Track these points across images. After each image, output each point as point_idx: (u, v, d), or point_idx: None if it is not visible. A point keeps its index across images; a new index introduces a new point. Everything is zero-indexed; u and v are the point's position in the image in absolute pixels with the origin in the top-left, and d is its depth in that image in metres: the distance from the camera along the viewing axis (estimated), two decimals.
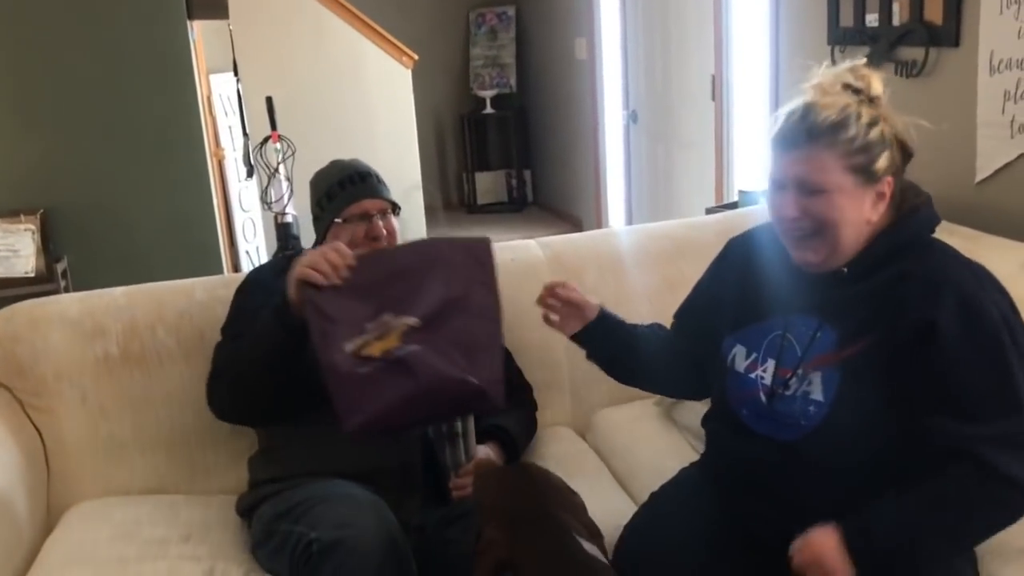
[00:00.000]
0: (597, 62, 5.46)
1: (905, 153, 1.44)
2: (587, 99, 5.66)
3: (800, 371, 1.45)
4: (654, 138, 4.86)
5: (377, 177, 1.93)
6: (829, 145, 1.38)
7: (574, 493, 1.62)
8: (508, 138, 7.10)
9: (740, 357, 1.55)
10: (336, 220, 1.88)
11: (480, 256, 1.69)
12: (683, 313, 1.76)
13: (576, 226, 6.11)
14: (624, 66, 5.10)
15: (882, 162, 1.40)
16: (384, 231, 1.87)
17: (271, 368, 1.70)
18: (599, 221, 5.72)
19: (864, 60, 1.49)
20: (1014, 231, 2.07)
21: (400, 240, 1.92)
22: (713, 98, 4.05)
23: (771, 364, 1.50)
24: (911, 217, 1.45)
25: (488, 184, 7.18)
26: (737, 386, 1.55)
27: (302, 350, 1.64)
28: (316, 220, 1.95)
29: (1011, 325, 1.36)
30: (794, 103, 1.43)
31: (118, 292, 2.07)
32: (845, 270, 1.44)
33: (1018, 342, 1.34)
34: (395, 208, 1.93)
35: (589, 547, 1.43)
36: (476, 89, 7.00)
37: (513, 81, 6.98)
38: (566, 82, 6.11)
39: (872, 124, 1.39)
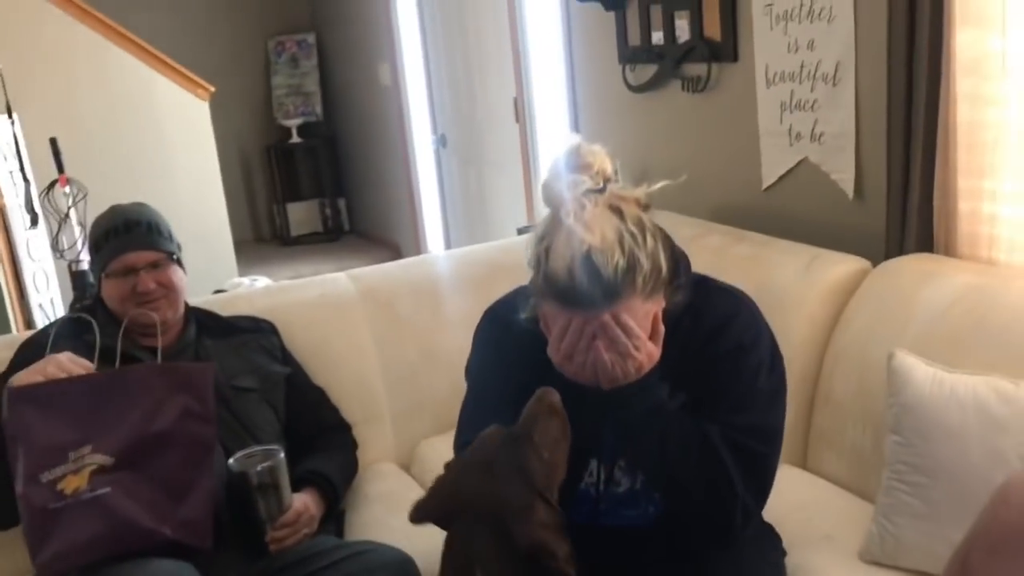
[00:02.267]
0: (402, 87, 5.45)
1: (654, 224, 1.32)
2: (395, 124, 5.64)
3: (622, 462, 1.42)
4: (464, 161, 4.90)
5: (149, 225, 1.80)
6: (629, 293, 1.25)
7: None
8: (318, 167, 6.96)
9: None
10: (103, 274, 1.78)
11: (198, 386, 1.65)
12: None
13: (395, 252, 6.06)
14: (429, 90, 5.11)
15: (664, 261, 1.29)
16: (153, 284, 1.77)
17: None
18: (417, 245, 5.69)
19: (578, 139, 1.33)
20: (799, 233, 2.19)
21: (183, 292, 1.84)
22: (517, 120, 4.11)
23: (594, 465, 1.43)
24: (679, 268, 1.36)
25: (301, 215, 7.01)
26: (565, 507, 1.31)
27: None
28: (92, 272, 1.83)
29: (782, 365, 1.41)
30: (566, 255, 1.22)
31: None
32: None
33: (765, 365, 1.38)
34: (173, 258, 1.82)
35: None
36: (281, 119, 6.83)
37: (319, 109, 6.86)
38: (373, 108, 6.06)
39: (644, 232, 1.26)
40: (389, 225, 6.31)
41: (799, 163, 2.35)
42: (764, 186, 2.46)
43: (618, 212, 1.26)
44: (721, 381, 1.35)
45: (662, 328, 1.32)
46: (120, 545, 1.49)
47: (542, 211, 1.36)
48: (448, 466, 1.33)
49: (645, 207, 1.30)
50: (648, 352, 1.29)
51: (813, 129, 2.27)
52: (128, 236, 1.78)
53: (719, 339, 1.36)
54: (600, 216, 1.24)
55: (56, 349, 1.71)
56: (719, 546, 1.37)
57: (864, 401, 1.76)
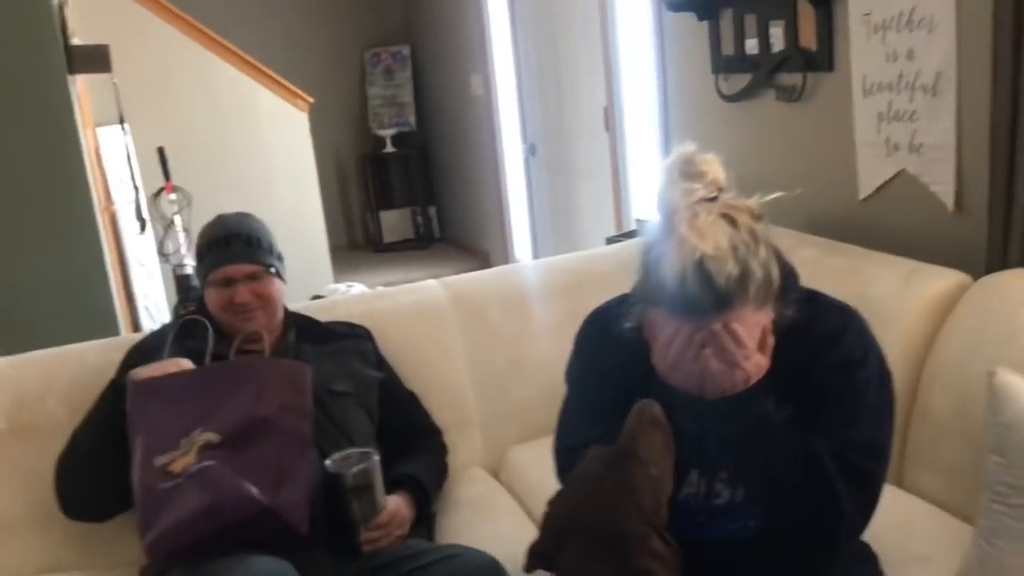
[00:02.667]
0: (494, 97, 5.51)
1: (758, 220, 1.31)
2: (486, 134, 5.71)
3: (724, 474, 1.40)
4: (553, 170, 4.92)
5: (249, 238, 1.87)
6: (742, 303, 1.24)
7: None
8: (411, 176, 7.09)
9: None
10: (204, 282, 1.88)
11: (296, 382, 1.73)
12: (572, 452, 1.44)
13: (484, 260, 6.13)
14: (520, 101, 5.16)
15: (775, 271, 1.28)
16: (250, 296, 1.84)
17: (104, 445, 1.72)
18: (506, 254, 5.75)
19: (692, 147, 1.33)
20: (897, 246, 2.14)
21: (281, 301, 1.92)
22: (607, 129, 4.12)
23: (694, 475, 1.42)
24: (788, 283, 1.35)
25: (393, 222, 7.15)
26: (677, 514, 1.35)
27: None
28: (197, 278, 1.94)
29: (892, 382, 1.40)
30: (678, 263, 1.22)
31: (3, 363, 1.98)
32: None
33: (874, 381, 1.37)
34: (271, 270, 1.88)
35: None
36: (376, 128, 6.98)
37: (412, 119, 6.99)
38: (465, 118, 6.15)
39: (758, 242, 1.25)
40: (478, 233, 6.38)
41: (897, 174, 2.30)
42: (861, 197, 2.42)
43: (731, 221, 1.25)
44: (831, 395, 1.34)
45: (771, 340, 1.31)
46: (224, 515, 1.55)
47: (631, 218, 1.38)
48: (552, 502, 1.32)
49: (757, 217, 1.29)
50: (756, 363, 1.28)
51: (912, 140, 2.22)
52: (228, 249, 1.85)
53: (829, 353, 1.35)
54: (713, 225, 1.24)
55: (168, 352, 1.81)
56: (820, 563, 1.35)
57: (963, 419, 1.72)
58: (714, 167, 1.31)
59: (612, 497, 1.24)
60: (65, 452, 1.79)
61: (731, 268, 1.22)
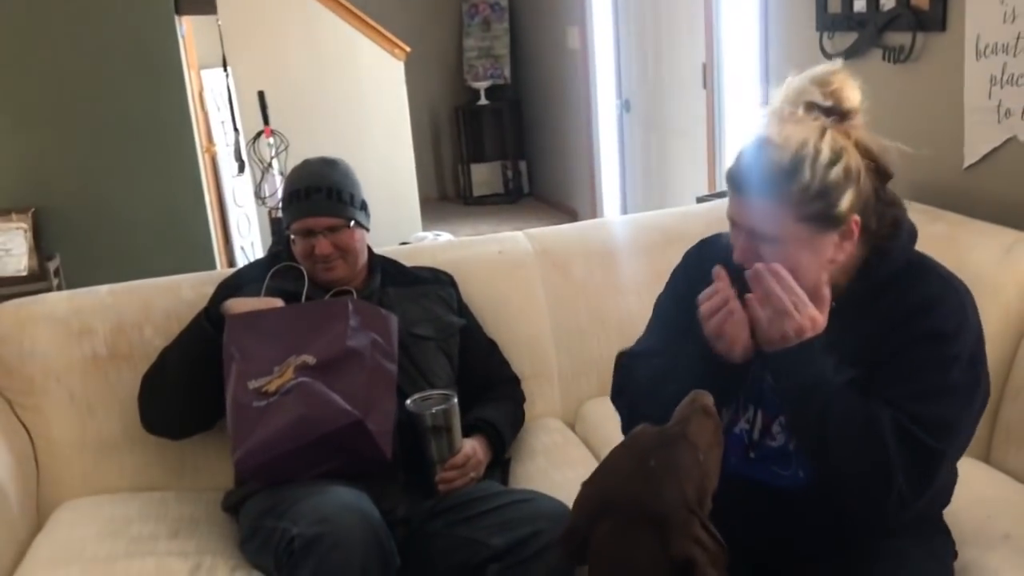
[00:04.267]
0: (590, 52, 5.45)
1: (883, 176, 1.32)
2: (580, 89, 5.65)
3: (783, 418, 1.38)
4: (647, 127, 4.86)
5: (329, 191, 1.89)
6: (779, 196, 1.25)
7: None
8: (503, 129, 7.09)
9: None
10: (288, 231, 1.92)
11: (386, 327, 1.79)
12: (640, 357, 1.51)
13: (572, 216, 6.11)
14: (616, 55, 5.09)
15: (845, 204, 1.26)
16: (329, 248, 1.88)
17: (192, 368, 1.80)
18: (594, 211, 5.72)
19: (838, 65, 1.34)
20: (1001, 216, 2.06)
21: (362, 251, 1.95)
22: (704, 86, 4.04)
23: (752, 411, 1.41)
24: (894, 236, 1.34)
25: (484, 176, 7.17)
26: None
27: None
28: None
29: (983, 366, 1.34)
30: (750, 139, 1.29)
31: (104, 291, 2.07)
32: (834, 304, 1.31)
33: (981, 382, 1.32)
34: (351, 223, 1.90)
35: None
36: (470, 80, 6.99)
37: (507, 72, 6.96)
38: (559, 72, 6.10)
39: (833, 162, 1.25)
40: (567, 190, 6.36)
41: (1006, 142, 2.19)
42: (965, 165, 2.32)
43: (822, 131, 1.26)
44: (912, 365, 1.28)
45: (826, 293, 1.28)
46: (318, 426, 1.62)
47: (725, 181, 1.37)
48: (588, 481, 1.26)
49: (866, 152, 1.28)
50: (810, 316, 1.26)
51: None
52: (308, 202, 1.88)
53: (920, 320, 1.29)
54: (801, 123, 1.26)
55: (254, 292, 1.87)
56: (867, 526, 1.33)
57: None
58: (843, 83, 1.30)
59: (656, 476, 1.16)
60: (152, 369, 1.89)
61: (783, 157, 1.24)
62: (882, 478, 1.24)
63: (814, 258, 1.28)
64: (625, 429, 1.47)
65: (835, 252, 1.30)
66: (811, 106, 1.28)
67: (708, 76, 3.99)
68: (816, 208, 1.25)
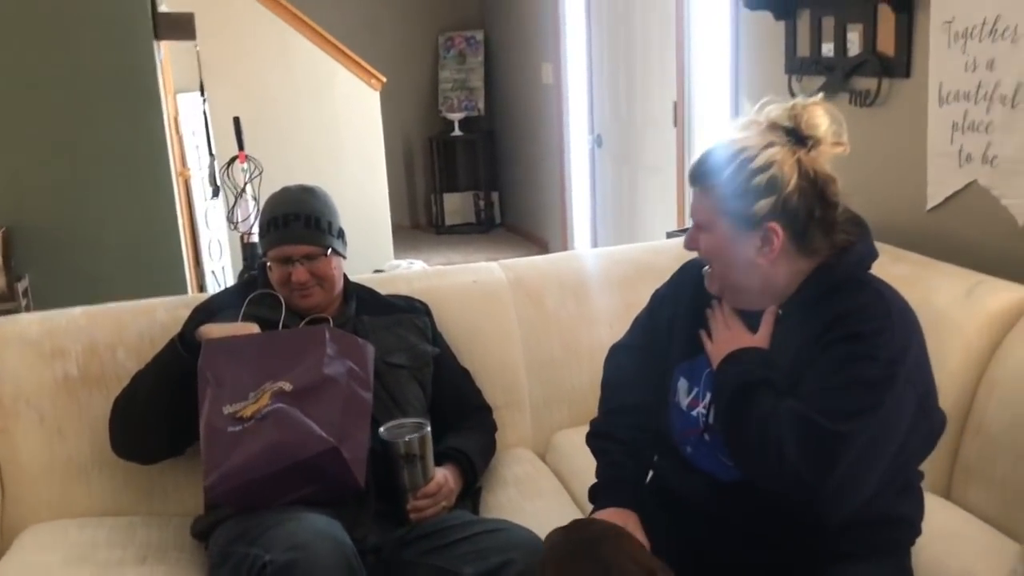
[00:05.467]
0: (563, 87, 5.53)
1: (824, 203, 1.43)
2: (553, 123, 5.72)
3: None
4: (618, 162, 4.92)
5: (308, 220, 1.90)
6: (709, 188, 1.44)
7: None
8: (476, 160, 7.15)
9: (683, 391, 1.56)
10: (265, 258, 1.94)
11: (362, 357, 1.81)
12: (622, 358, 1.75)
13: (543, 247, 6.15)
14: (590, 91, 5.17)
15: (760, 209, 1.39)
16: (306, 276, 1.89)
17: (165, 391, 1.80)
18: (565, 243, 5.77)
19: (817, 99, 1.47)
20: (962, 257, 2.12)
21: (339, 279, 1.97)
22: (675, 124, 4.11)
23: (708, 399, 1.51)
24: (843, 256, 1.45)
25: (456, 205, 7.22)
26: (680, 421, 1.56)
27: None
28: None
29: (904, 369, 1.37)
30: (714, 141, 1.47)
31: (78, 312, 2.07)
32: (780, 311, 1.46)
33: (897, 382, 1.35)
34: (328, 251, 1.91)
35: None
36: (445, 111, 7.04)
37: (481, 104, 7.03)
38: (533, 106, 6.17)
39: (762, 170, 1.38)
40: (539, 221, 6.41)
41: (967, 185, 2.26)
42: (929, 207, 2.39)
43: (767, 144, 1.40)
44: (828, 364, 1.36)
45: (768, 326, 1.45)
46: (292, 453, 1.62)
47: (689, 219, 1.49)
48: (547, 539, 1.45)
49: (811, 177, 1.40)
50: (719, 287, 1.49)
51: (986, 152, 2.19)
52: (286, 229, 1.89)
53: (843, 324, 1.37)
54: (752, 131, 1.43)
55: (229, 317, 1.88)
56: (814, 529, 1.39)
57: (1018, 435, 1.70)
58: (813, 114, 1.43)
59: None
60: (124, 392, 1.88)
61: (722, 155, 1.41)
62: (775, 455, 1.32)
63: (735, 254, 1.44)
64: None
65: (757, 256, 1.43)
66: (774, 125, 1.43)
67: (679, 114, 4.07)
68: (735, 206, 1.41)
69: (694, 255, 1.56)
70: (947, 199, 2.34)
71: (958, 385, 1.85)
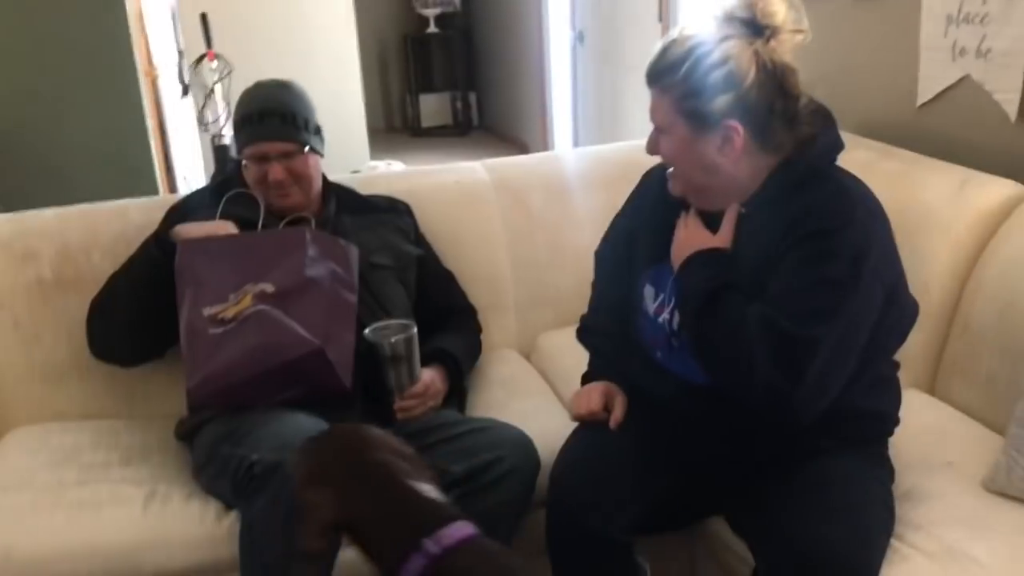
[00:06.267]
0: None
1: (786, 95, 1.39)
2: (533, 19, 5.57)
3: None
4: (601, 60, 4.82)
5: (284, 116, 1.83)
6: (665, 88, 1.40)
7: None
8: (453, 59, 6.98)
9: (650, 298, 1.55)
10: (240, 156, 1.87)
11: (346, 258, 1.77)
12: (604, 253, 1.76)
13: (522, 150, 6.07)
14: None
15: (717, 105, 1.35)
16: (283, 174, 1.82)
17: (143, 293, 1.76)
18: (545, 144, 5.69)
19: None
20: (953, 154, 2.09)
21: (317, 178, 1.91)
22: (660, 19, 4.01)
23: (672, 306, 1.50)
24: (804, 151, 1.42)
25: (433, 107, 7.07)
26: (649, 328, 1.55)
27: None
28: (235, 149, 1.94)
29: (869, 265, 1.34)
30: (665, 37, 1.42)
31: (49, 214, 2.01)
32: (743, 210, 1.43)
33: (862, 279, 1.33)
34: (305, 148, 1.85)
35: (423, 487, 1.19)
36: (419, 8, 6.84)
37: (457, 0, 6.83)
38: (512, 1, 5.99)
39: (717, 65, 1.34)
40: (518, 123, 6.30)
41: (960, 80, 2.22)
42: (919, 103, 2.35)
43: (723, 38, 1.35)
44: (793, 262, 1.34)
45: (730, 225, 1.42)
46: (277, 354, 1.60)
47: None
48: None
49: (770, 69, 1.35)
50: (680, 188, 1.46)
51: (980, 45, 2.14)
52: (261, 126, 1.82)
53: (806, 221, 1.35)
54: (708, 23, 1.37)
55: (205, 218, 1.82)
56: (785, 429, 1.40)
57: (1005, 331, 1.70)
58: (768, 5, 1.37)
59: None
60: (100, 294, 1.84)
61: (675, 53, 1.37)
62: (745, 365, 1.31)
63: (694, 155, 1.41)
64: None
65: (718, 156, 1.40)
66: (730, 16, 1.38)
67: (664, 10, 3.96)
68: (691, 105, 1.37)
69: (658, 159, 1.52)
70: (938, 95, 2.29)
71: (946, 282, 1.85)
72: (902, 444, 1.57)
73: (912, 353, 1.82)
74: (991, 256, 1.80)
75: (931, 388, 1.88)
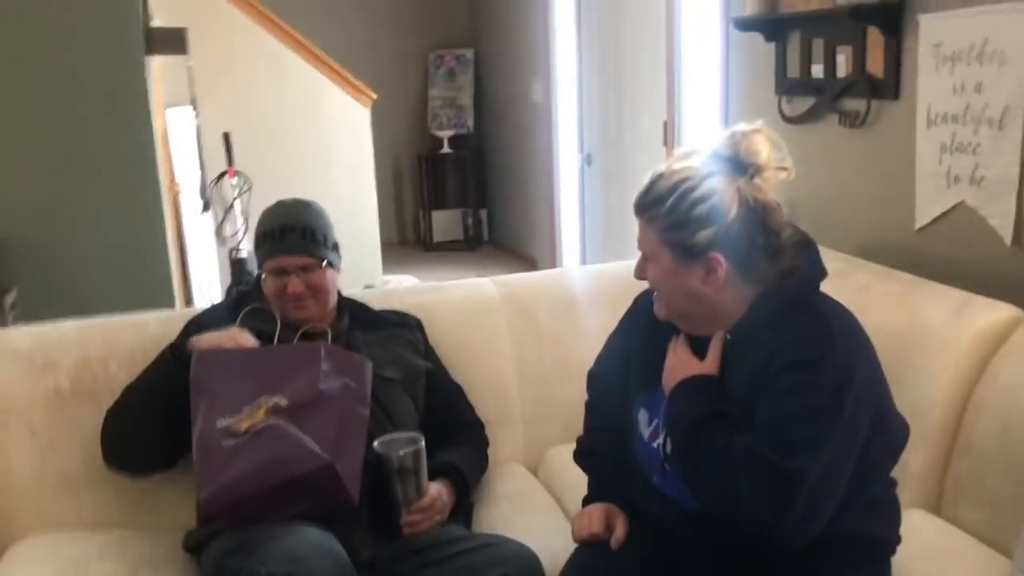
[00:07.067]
0: (553, 105, 5.55)
1: (768, 231, 1.44)
2: (543, 141, 5.75)
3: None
4: (608, 181, 4.95)
5: (303, 231, 1.91)
6: (651, 219, 1.45)
7: None
8: (465, 178, 7.17)
9: (644, 423, 1.56)
10: (261, 270, 1.94)
11: (360, 373, 1.81)
12: (596, 374, 1.80)
13: (531, 265, 6.16)
14: (579, 110, 5.20)
15: (701, 239, 1.40)
16: (302, 288, 1.89)
17: (157, 402, 1.80)
18: (553, 261, 5.78)
19: (757, 124, 1.48)
20: (951, 276, 2.14)
21: (333, 291, 1.98)
22: (665, 143, 4.14)
23: (658, 425, 1.52)
24: (786, 281, 1.45)
25: (445, 222, 7.23)
26: (644, 451, 1.56)
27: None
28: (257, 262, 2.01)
29: (853, 393, 1.36)
30: (653, 171, 1.48)
31: (69, 326, 2.06)
32: (728, 336, 1.46)
33: (845, 407, 1.34)
34: (323, 263, 1.92)
35: None
36: (434, 129, 7.07)
37: (470, 122, 7.06)
38: (522, 124, 6.20)
39: (701, 201, 1.40)
40: (527, 239, 6.42)
41: (955, 206, 2.29)
42: (917, 227, 2.42)
43: (708, 175, 1.41)
44: (776, 394, 1.35)
45: (716, 351, 1.45)
46: (287, 469, 1.62)
47: None
48: None
49: (752, 206, 1.41)
50: (664, 312, 1.50)
51: (973, 173, 2.22)
52: (282, 241, 1.91)
53: (787, 352, 1.37)
54: (694, 160, 1.44)
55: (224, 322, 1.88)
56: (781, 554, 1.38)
57: (1008, 452, 1.71)
58: (753, 144, 1.44)
59: None
60: (115, 405, 1.88)
61: (662, 187, 1.43)
62: (732, 495, 1.32)
63: (679, 283, 1.45)
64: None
65: (701, 285, 1.44)
66: (715, 154, 1.45)
67: (669, 134, 4.10)
68: (675, 236, 1.42)
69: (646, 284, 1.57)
70: (935, 219, 2.36)
71: (947, 403, 1.87)
72: (907, 565, 1.56)
73: (916, 473, 1.84)
74: (990, 378, 1.83)
75: (937, 509, 1.88)
